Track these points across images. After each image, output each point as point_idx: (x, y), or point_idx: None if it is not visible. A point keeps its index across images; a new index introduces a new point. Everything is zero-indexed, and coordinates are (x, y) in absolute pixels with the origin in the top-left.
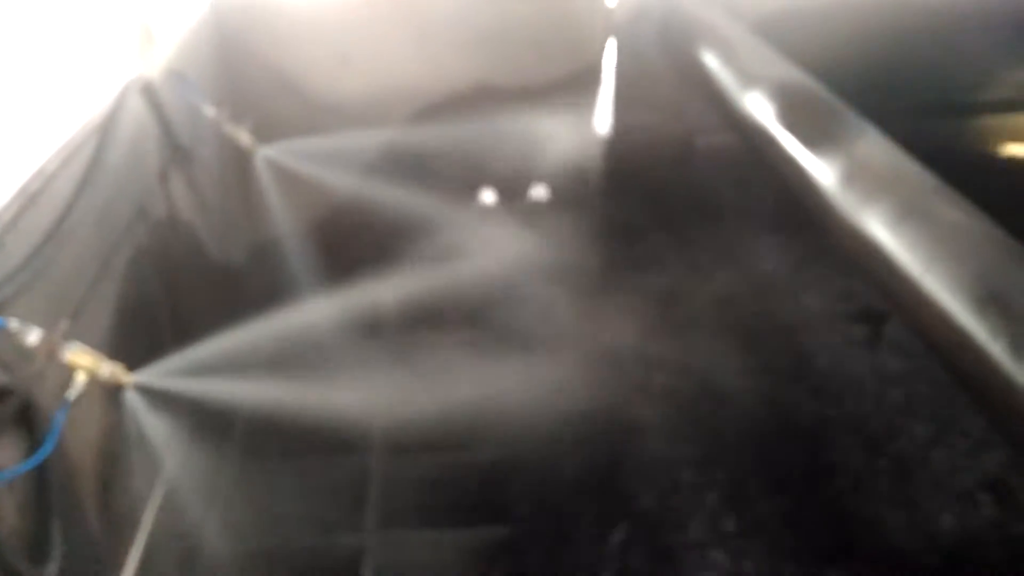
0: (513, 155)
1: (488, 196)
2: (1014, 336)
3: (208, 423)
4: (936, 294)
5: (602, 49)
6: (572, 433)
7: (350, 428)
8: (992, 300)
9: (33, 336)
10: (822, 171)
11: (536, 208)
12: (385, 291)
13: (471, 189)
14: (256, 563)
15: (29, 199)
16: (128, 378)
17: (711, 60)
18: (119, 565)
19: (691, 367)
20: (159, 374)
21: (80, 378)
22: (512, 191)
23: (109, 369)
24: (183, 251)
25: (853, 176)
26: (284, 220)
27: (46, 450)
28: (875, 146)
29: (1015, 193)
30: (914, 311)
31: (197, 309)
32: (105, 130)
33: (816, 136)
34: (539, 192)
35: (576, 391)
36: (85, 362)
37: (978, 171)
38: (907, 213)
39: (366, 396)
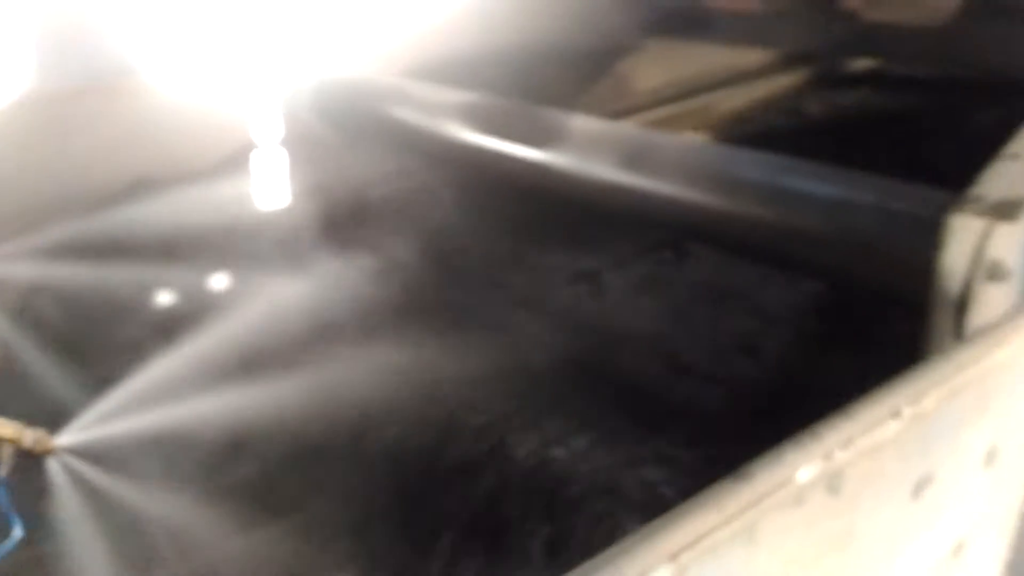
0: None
1: None
2: None
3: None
4: None
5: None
6: None
7: None
8: None
9: None
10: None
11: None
12: None
13: None
14: None
15: None
16: (52, 443)
17: (406, 114)
18: None
19: None
20: (82, 430)
21: (5, 452)
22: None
23: (32, 437)
24: None
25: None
26: None
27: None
28: (579, 119)
29: None
30: None
31: None
32: None
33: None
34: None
35: None
36: (8, 433)
37: None
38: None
39: None
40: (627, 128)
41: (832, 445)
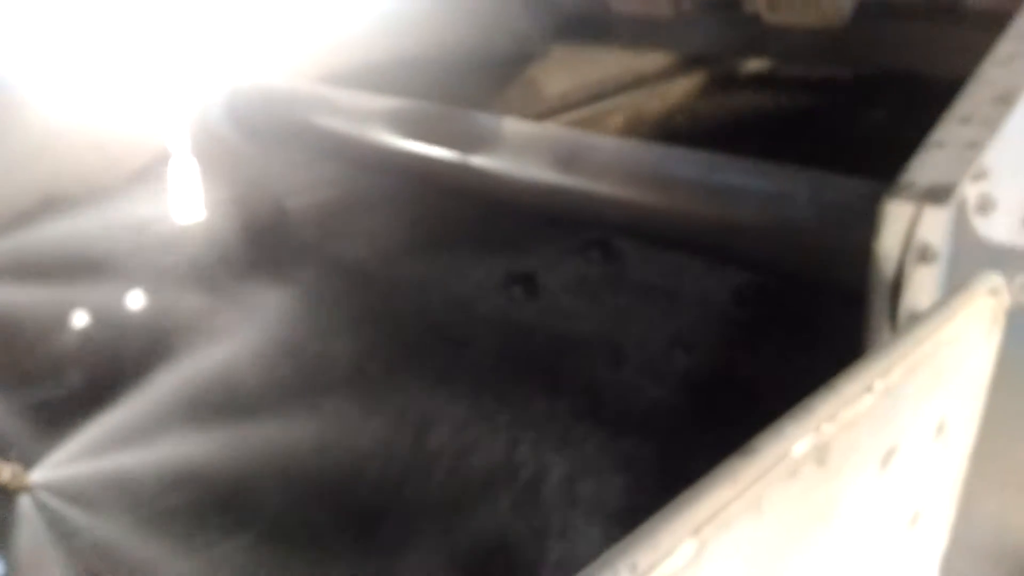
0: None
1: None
2: None
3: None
4: None
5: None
6: None
7: None
8: None
9: None
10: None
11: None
12: None
13: None
14: None
15: None
16: (27, 480)
17: (328, 120)
18: None
19: None
20: (59, 465)
21: None
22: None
23: (8, 473)
24: None
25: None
26: None
27: None
28: (507, 121)
29: None
30: None
31: None
32: None
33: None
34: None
35: None
36: None
37: None
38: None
39: None
40: (557, 129)
41: (820, 419)
